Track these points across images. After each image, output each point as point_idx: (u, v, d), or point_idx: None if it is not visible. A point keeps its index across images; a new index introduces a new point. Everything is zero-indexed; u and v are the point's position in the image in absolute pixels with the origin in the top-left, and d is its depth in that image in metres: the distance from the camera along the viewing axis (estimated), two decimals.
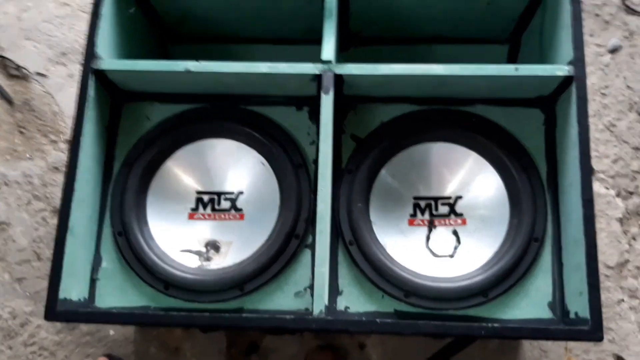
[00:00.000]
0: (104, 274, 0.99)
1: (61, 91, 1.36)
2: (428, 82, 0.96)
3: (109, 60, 0.96)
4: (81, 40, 1.35)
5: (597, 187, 1.29)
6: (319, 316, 0.86)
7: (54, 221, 1.27)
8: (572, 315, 0.90)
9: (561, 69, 0.92)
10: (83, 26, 1.38)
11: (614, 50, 1.34)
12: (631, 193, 1.28)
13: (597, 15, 1.37)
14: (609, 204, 1.28)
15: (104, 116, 1.01)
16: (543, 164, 1.00)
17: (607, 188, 1.29)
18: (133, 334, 1.25)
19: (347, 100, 1.04)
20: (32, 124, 1.35)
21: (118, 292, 0.98)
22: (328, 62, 0.94)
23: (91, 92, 0.96)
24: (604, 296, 1.24)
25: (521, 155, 1.00)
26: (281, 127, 1.03)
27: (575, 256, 0.89)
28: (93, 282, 0.98)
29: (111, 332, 1.25)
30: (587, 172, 0.88)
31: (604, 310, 1.22)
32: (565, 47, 0.95)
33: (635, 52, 1.34)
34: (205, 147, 1.05)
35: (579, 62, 0.92)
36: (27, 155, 1.33)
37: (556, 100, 1.00)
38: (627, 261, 1.25)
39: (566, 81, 0.94)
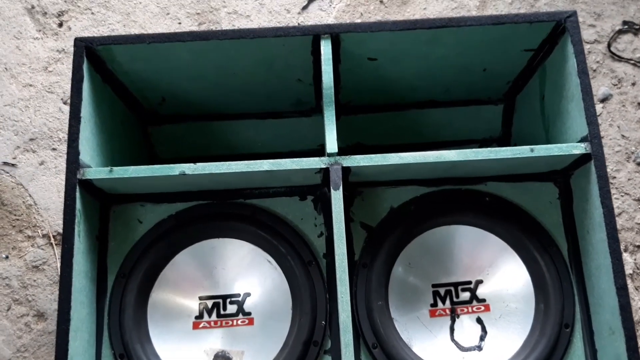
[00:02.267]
0: None
1: (33, 181, 1.26)
2: (438, 168, 0.91)
3: (94, 169, 0.88)
4: (50, 124, 1.26)
5: None
6: None
7: (38, 327, 1.17)
8: None
9: (578, 147, 0.88)
10: (51, 108, 1.30)
11: (604, 99, 1.32)
12: (639, 247, 1.26)
13: None
14: None
15: (93, 227, 0.93)
16: (563, 241, 0.96)
17: None
18: None
19: (352, 186, 0.98)
20: (4, 220, 1.25)
21: None
22: (334, 154, 0.88)
23: (79, 205, 0.87)
24: None
25: (539, 233, 0.95)
26: (286, 221, 0.97)
27: (612, 346, 0.85)
28: None
29: None
30: (617, 257, 0.84)
31: None
32: (577, 121, 0.91)
33: (626, 100, 1.33)
34: (206, 248, 0.97)
35: (594, 138, 0.88)
36: (3, 255, 1.23)
37: (570, 174, 0.96)
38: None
39: (583, 158, 0.90)
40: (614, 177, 1.29)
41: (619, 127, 1.32)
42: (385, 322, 0.91)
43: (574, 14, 0.94)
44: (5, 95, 1.32)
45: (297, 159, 0.88)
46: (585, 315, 0.92)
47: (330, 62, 0.93)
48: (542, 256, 0.94)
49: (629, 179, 1.29)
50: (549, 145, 0.89)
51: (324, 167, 0.88)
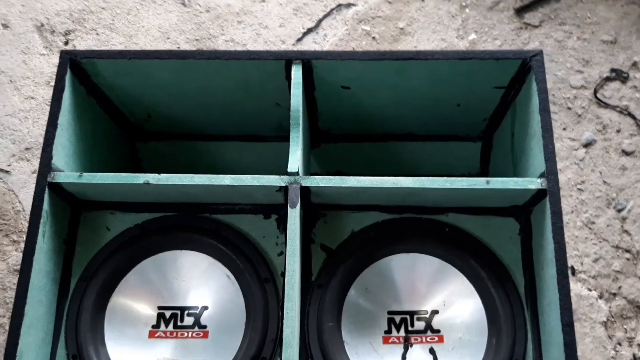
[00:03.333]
0: None
1: (24, 188, 1.31)
2: (397, 193, 0.93)
3: (65, 173, 0.92)
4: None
5: (578, 288, 1.25)
6: None
7: None
8: None
9: (534, 182, 0.90)
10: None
11: (588, 144, 1.33)
12: (614, 294, 1.24)
13: (569, 108, 1.37)
14: (592, 307, 1.24)
15: (61, 230, 0.96)
16: (521, 277, 0.96)
17: (590, 289, 1.25)
18: None
19: (316, 208, 1.01)
20: None
21: None
22: (294, 173, 0.91)
23: (46, 206, 0.91)
24: None
25: (497, 267, 0.96)
26: (248, 238, 0.99)
27: None
28: None
29: None
30: (565, 294, 0.84)
31: None
32: (537, 158, 0.93)
33: (609, 146, 1.33)
34: (168, 259, 1.00)
35: (551, 174, 0.89)
36: None
37: (531, 211, 0.97)
38: None
39: (539, 194, 0.91)
40: (593, 223, 1.29)
41: (600, 172, 1.32)
42: (335, 344, 0.92)
43: (539, 53, 0.96)
44: (7, 106, 1.39)
45: (259, 176, 0.91)
46: (537, 352, 0.92)
47: (300, 86, 0.97)
48: (497, 291, 0.94)
49: (607, 225, 1.29)
50: (504, 179, 0.90)
51: (284, 185, 0.91)
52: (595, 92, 1.38)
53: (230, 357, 0.92)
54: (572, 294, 1.23)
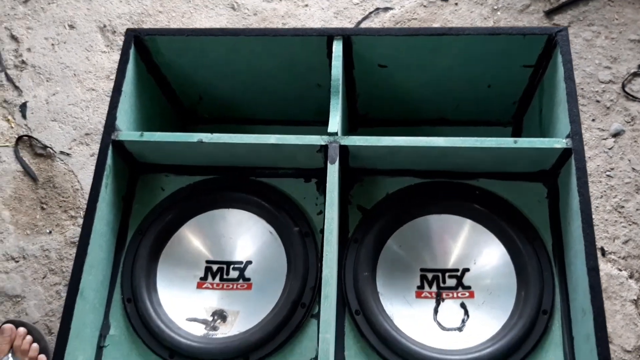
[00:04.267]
0: (111, 341, 0.99)
1: (83, 169, 1.42)
2: (430, 154, 0.99)
3: (127, 132, 1.02)
4: (104, 122, 1.43)
5: (609, 268, 1.28)
6: None
7: None
8: None
9: (559, 142, 0.95)
10: (107, 109, 1.47)
11: (616, 134, 1.38)
12: None
13: (597, 101, 1.42)
14: (622, 286, 1.26)
15: (121, 186, 1.06)
16: (548, 237, 1.01)
17: (620, 270, 1.28)
18: None
19: (354, 172, 1.08)
20: (53, 200, 1.40)
21: None
22: (334, 134, 0.99)
23: (109, 161, 1.01)
24: None
25: (526, 227, 1.01)
26: (289, 198, 1.07)
27: (584, 327, 0.88)
28: (100, 349, 0.98)
29: None
30: (590, 241, 0.89)
31: None
32: (562, 122, 0.99)
33: (638, 136, 1.38)
34: (216, 217, 1.08)
35: (576, 135, 0.95)
36: (47, 230, 1.37)
37: (557, 174, 1.02)
38: None
39: (565, 154, 0.96)
40: (622, 207, 1.33)
41: (629, 160, 1.36)
42: (370, 292, 0.97)
43: (564, 29, 1.04)
44: (70, 96, 1.52)
45: (301, 135, 0.99)
46: (565, 305, 0.95)
47: (340, 58, 1.05)
48: (525, 248, 0.98)
49: (637, 209, 1.32)
50: (532, 139, 0.96)
51: (324, 144, 0.99)
52: (623, 86, 1.44)
53: (273, 303, 0.99)
54: (602, 274, 1.26)
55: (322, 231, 1.04)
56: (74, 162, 1.44)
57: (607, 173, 1.36)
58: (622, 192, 1.34)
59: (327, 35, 1.07)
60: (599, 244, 1.30)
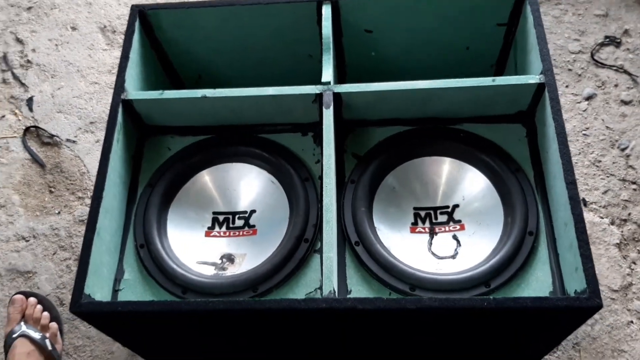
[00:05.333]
0: (126, 285, 1.04)
1: (89, 154, 1.49)
2: (415, 98, 1.08)
3: (135, 92, 1.10)
4: (108, 112, 1.51)
5: (591, 217, 1.36)
6: (328, 296, 0.90)
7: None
8: (571, 294, 0.94)
9: (533, 78, 1.05)
10: (109, 100, 1.55)
11: (589, 98, 1.48)
12: (625, 220, 1.34)
13: (569, 70, 1.53)
14: (604, 232, 1.34)
15: (130, 146, 1.13)
16: (530, 170, 1.09)
17: (601, 217, 1.36)
18: None
19: (347, 124, 1.16)
20: (61, 184, 1.46)
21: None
22: (327, 83, 1.07)
23: (119, 119, 1.08)
24: (612, 319, 1.26)
25: (508, 161, 1.09)
26: (289, 150, 1.14)
27: (567, 238, 0.95)
28: (115, 292, 1.04)
29: None
30: (567, 159, 0.97)
31: (614, 332, 1.24)
32: (535, 64, 1.08)
33: (609, 98, 1.48)
34: (221, 171, 1.15)
35: (548, 71, 1.04)
36: (56, 211, 1.43)
37: (534, 114, 1.11)
38: (630, 284, 1.28)
39: (539, 90, 1.05)
40: (599, 161, 1.41)
41: (603, 120, 1.46)
42: (368, 224, 1.04)
43: None
44: (74, 90, 1.60)
45: (297, 86, 1.08)
46: (549, 227, 1.03)
47: (330, 20, 1.15)
48: (508, 178, 1.06)
49: (613, 162, 1.41)
50: (508, 77, 1.06)
51: (318, 92, 1.07)
52: (592, 55, 1.55)
53: (277, 242, 1.05)
54: (585, 222, 1.34)
55: (320, 177, 1.11)
56: (80, 149, 1.52)
57: (583, 132, 1.45)
58: (598, 147, 1.43)
59: (317, 1, 1.17)
60: (580, 196, 1.38)
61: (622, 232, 1.33)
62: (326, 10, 1.16)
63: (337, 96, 1.08)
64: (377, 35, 1.25)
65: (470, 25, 1.22)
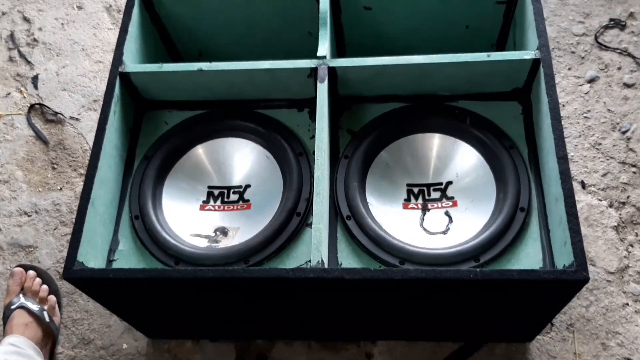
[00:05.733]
0: (120, 255, 1.06)
1: (92, 132, 1.51)
2: (411, 74, 1.08)
3: (133, 65, 1.11)
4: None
5: (589, 199, 1.35)
6: (316, 266, 0.91)
7: None
8: (560, 269, 0.93)
9: (529, 54, 1.04)
10: None
11: (591, 81, 1.47)
12: (623, 203, 1.34)
13: (572, 52, 1.52)
14: (602, 214, 1.33)
15: (128, 118, 1.14)
16: (524, 147, 1.08)
17: (600, 200, 1.35)
18: (146, 347, 1.28)
19: (343, 100, 1.16)
20: (63, 161, 1.48)
21: None
22: (322, 57, 1.08)
23: (117, 91, 1.10)
24: (607, 301, 1.25)
25: (502, 138, 1.08)
26: (284, 125, 1.15)
27: (557, 213, 0.95)
28: (110, 262, 1.06)
29: (124, 346, 1.28)
30: (559, 134, 0.96)
31: (609, 314, 1.24)
32: (531, 40, 1.08)
33: (611, 81, 1.46)
34: (216, 145, 1.16)
35: (543, 47, 1.04)
36: (58, 187, 1.45)
37: (530, 91, 1.11)
38: (627, 267, 1.28)
39: (535, 66, 1.05)
40: (600, 144, 1.41)
41: (605, 103, 1.45)
42: (360, 199, 1.05)
43: None
44: (79, 68, 1.62)
45: (292, 60, 1.09)
46: (541, 204, 1.02)
47: None
48: (502, 155, 1.06)
49: (613, 145, 1.40)
50: (504, 52, 1.05)
51: (314, 66, 1.08)
52: (596, 37, 1.53)
53: (270, 216, 1.06)
54: (583, 204, 1.33)
55: (314, 153, 1.12)
56: (83, 126, 1.53)
57: (584, 115, 1.44)
58: (599, 130, 1.42)
59: None
60: (579, 178, 1.37)
61: (620, 214, 1.33)
62: None
63: (332, 70, 1.08)
64: (377, 12, 1.25)
65: (469, 3, 1.22)
